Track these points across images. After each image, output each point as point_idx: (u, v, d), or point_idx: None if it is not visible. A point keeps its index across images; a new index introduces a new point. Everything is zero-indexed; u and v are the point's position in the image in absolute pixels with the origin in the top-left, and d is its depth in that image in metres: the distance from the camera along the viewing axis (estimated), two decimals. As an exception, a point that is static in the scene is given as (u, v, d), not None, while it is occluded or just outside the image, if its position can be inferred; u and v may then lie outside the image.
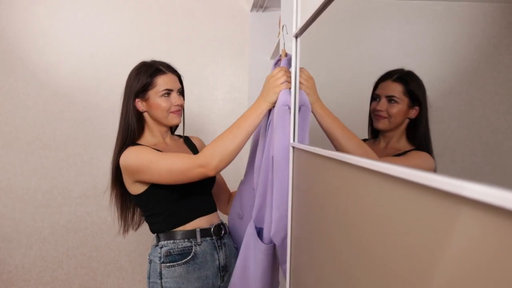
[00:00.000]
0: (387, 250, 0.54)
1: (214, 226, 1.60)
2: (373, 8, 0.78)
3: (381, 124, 0.90)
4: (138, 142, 1.58)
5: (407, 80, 0.81)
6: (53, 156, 2.64)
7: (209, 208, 1.65)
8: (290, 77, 1.30)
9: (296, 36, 1.25)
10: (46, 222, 2.65)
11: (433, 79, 0.54)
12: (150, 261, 1.58)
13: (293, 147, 1.29)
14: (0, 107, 2.57)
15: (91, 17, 2.63)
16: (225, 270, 1.61)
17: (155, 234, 1.59)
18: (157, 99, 1.56)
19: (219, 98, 2.74)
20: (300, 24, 1.18)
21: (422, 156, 0.70)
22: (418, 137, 0.78)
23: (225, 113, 2.77)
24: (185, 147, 1.74)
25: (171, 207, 1.54)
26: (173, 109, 1.58)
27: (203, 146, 1.78)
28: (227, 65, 2.71)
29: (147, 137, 1.62)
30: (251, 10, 2.63)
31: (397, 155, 0.83)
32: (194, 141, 1.80)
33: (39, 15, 2.59)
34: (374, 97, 0.92)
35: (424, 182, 0.42)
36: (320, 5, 0.93)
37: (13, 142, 2.60)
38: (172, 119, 1.59)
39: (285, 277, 1.37)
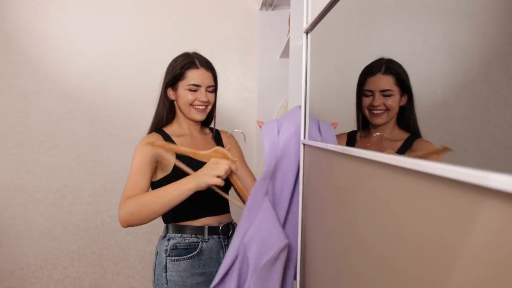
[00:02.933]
0: (406, 247, 0.54)
1: (223, 225, 1.61)
2: (383, 4, 0.78)
3: (381, 119, 0.88)
4: (165, 129, 1.64)
5: (395, 70, 0.80)
6: (64, 155, 2.66)
7: (221, 209, 1.65)
8: (231, 170, 1.34)
9: (307, 32, 1.24)
10: (57, 221, 2.67)
11: (445, 78, 0.53)
12: (157, 253, 1.60)
13: (304, 144, 1.28)
14: (12, 107, 2.60)
15: (101, 19, 2.65)
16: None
17: (165, 225, 1.61)
18: (184, 91, 1.59)
19: (228, 98, 2.75)
20: (311, 20, 1.17)
21: (429, 144, 0.69)
22: (410, 124, 0.77)
23: (235, 112, 2.77)
24: (213, 144, 1.73)
25: (185, 202, 1.49)
26: (196, 103, 1.60)
27: (234, 144, 1.79)
28: (236, 65, 2.71)
29: (174, 127, 1.66)
30: (260, 9, 2.63)
31: (402, 149, 0.81)
32: (224, 138, 1.79)
33: (50, 17, 2.61)
34: (365, 93, 0.90)
35: (445, 174, 0.42)
36: (331, 0, 0.93)
37: (25, 141, 2.62)
38: (194, 114, 1.61)
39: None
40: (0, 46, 2.58)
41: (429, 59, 0.58)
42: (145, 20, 2.68)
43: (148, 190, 1.48)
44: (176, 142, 1.60)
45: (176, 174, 1.49)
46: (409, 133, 0.77)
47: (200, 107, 1.61)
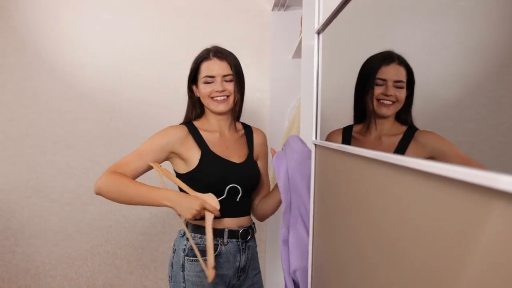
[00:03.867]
0: (416, 249, 0.53)
1: (243, 230, 1.59)
2: (395, 4, 0.77)
3: (388, 110, 0.86)
4: (196, 122, 1.64)
5: (406, 63, 0.79)
6: (78, 156, 2.68)
7: (243, 211, 1.63)
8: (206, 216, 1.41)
9: (318, 32, 1.24)
10: (71, 220, 2.70)
11: (459, 77, 0.53)
12: (175, 250, 1.59)
13: (315, 145, 1.28)
14: (26, 108, 2.63)
15: (115, 20, 2.67)
16: (243, 271, 1.61)
17: (184, 221, 1.59)
18: (201, 84, 1.58)
19: (240, 98, 2.75)
20: (322, 20, 1.17)
21: (434, 134, 0.67)
22: (405, 117, 0.77)
23: (247, 113, 2.76)
24: (243, 142, 1.70)
25: None
26: (214, 95, 1.57)
27: (264, 144, 1.77)
28: (248, 65, 2.71)
29: (203, 121, 1.66)
30: (273, 9, 2.63)
31: (403, 142, 0.80)
32: (256, 139, 1.73)
33: (63, 19, 2.64)
34: (377, 82, 0.88)
35: (454, 175, 0.41)
36: (342, 0, 0.92)
37: (39, 142, 2.65)
38: (214, 106, 1.58)
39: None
40: (14, 48, 2.62)
41: (443, 59, 0.58)
42: (158, 21, 2.70)
43: (138, 175, 1.55)
44: (203, 137, 1.59)
45: (200, 172, 1.52)
46: (406, 126, 0.76)
47: (219, 98, 1.57)
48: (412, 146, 0.77)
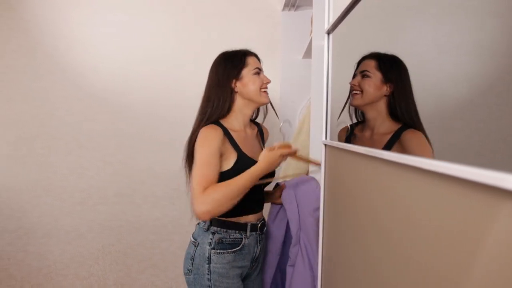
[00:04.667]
0: (425, 248, 0.53)
1: (261, 223, 1.70)
2: (406, 3, 0.77)
3: (355, 100, 0.90)
4: (222, 121, 1.65)
5: (381, 57, 0.82)
6: (89, 156, 2.71)
7: (261, 205, 1.75)
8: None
9: (328, 33, 1.24)
10: (83, 220, 2.72)
11: (470, 77, 0.53)
12: (197, 244, 1.63)
13: (325, 145, 1.28)
14: (39, 109, 2.66)
15: (125, 21, 2.69)
16: (257, 261, 1.71)
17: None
18: (251, 77, 1.65)
19: (251, 98, 2.75)
20: (332, 20, 1.17)
21: (415, 138, 0.67)
22: (400, 114, 0.77)
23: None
24: (259, 140, 1.81)
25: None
26: (264, 86, 1.67)
27: (266, 139, 1.89)
28: (259, 65, 2.71)
29: (232, 119, 1.68)
30: (283, 10, 2.63)
31: (390, 142, 0.81)
32: (265, 135, 1.88)
33: (75, 20, 2.67)
34: (354, 76, 0.92)
35: (463, 175, 0.41)
36: (352, 0, 0.92)
37: (51, 142, 2.68)
38: (263, 98, 1.67)
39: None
40: (27, 50, 2.65)
41: (454, 59, 0.57)
42: (169, 22, 2.71)
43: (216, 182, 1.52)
44: (235, 139, 1.63)
45: (238, 169, 1.56)
46: (400, 123, 0.76)
47: (266, 89, 1.69)
48: (395, 148, 0.77)
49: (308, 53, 2.43)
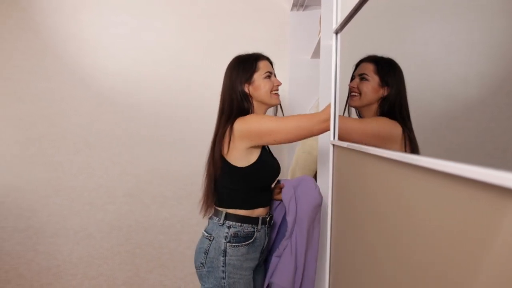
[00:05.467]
0: (434, 249, 0.53)
1: (270, 216, 1.79)
2: (415, 3, 0.76)
3: (353, 102, 0.94)
4: None
5: (379, 61, 0.86)
6: (98, 156, 2.72)
7: (270, 200, 1.82)
8: None
9: (336, 32, 1.23)
10: (92, 219, 2.74)
11: (480, 77, 0.52)
12: (212, 238, 1.70)
13: (333, 145, 1.27)
14: (48, 109, 2.68)
15: (134, 22, 2.70)
16: (263, 253, 1.79)
17: (224, 213, 1.71)
18: (261, 81, 1.72)
19: (259, 98, 2.75)
20: (340, 20, 1.16)
21: (383, 118, 0.72)
22: (387, 113, 0.80)
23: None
24: None
25: (252, 191, 1.71)
26: (274, 89, 1.76)
27: None
28: (267, 65, 2.71)
29: None
30: (291, 9, 2.63)
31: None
32: None
33: (84, 22, 2.68)
34: (352, 78, 0.96)
35: (473, 176, 0.41)
36: (360, 0, 0.91)
37: (60, 142, 2.70)
38: (275, 100, 1.77)
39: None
40: (37, 51, 2.67)
41: (463, 58, 0.57)
42: (177, 23, 2.71)
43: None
44: None
45: (259, 168, 1.68)
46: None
47: (277, 91, 1.77)
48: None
49: (316, 53, 2.43)
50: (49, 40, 2.67)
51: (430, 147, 0.67)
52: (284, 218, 1.85)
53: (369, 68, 0.89)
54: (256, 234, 1.71)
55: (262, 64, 1.75)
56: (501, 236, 0.37)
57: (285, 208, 1.77)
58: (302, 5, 2.57)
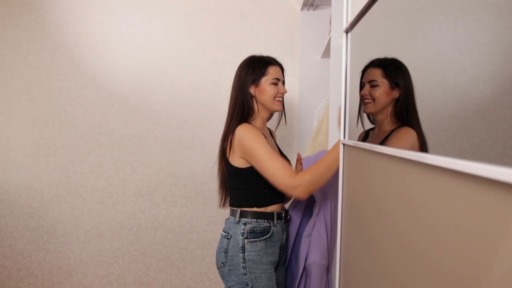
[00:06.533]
0: (444, 247, 0.52)
1: (285, 212, 1.82)
2: (426, 1, 0.75)
3: (368, 108, 0.96)
4: (250, 121, 1.79)
5: (385, 64, 0.88)
6: (109, 155, 2.73)
7: (283, 196, 1.81)
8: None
9: (347, 31, 1.22)
10: (102, 218, 2.75)
11: (493, 76, 0.51)
12: (230, 236, 1.73)
13: (344, 144, 1.27)
14: (60, 108, 2.70)
15: (145, 23, 2.71)
16: (283, 249, 1.82)
17: (239, 211, 1.75)
18: (267, 86, 1.76)
19: (269, 98, 2.74)
20: (351, 18, 1.15)
21: (402, 132, 0.74)
22: (400, 115, 0.83)
23: (276, 113, 2.76)
24: (273, 139, 1.96)
25: (262, 189, 1.72)
26: (278, 96, 1.79)
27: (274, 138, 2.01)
28: (277, 65, 2.70)
29: (255, 120, 1.82)
30: (302, 9, 2.62)
31: (385, 138, 0.86)
32: (274, 135, 2.01)
33: (96, 21, 2.70)
34: (361, 85, 0.98)
35: (486, 174, 0.40)
36: (371, -2, 0.91)
37: (72, 142, 2.72)
38: (277, 106, 1.80)
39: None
40: (49, 51, 2.69)
41: (476, 58, 0.56)
42: (188, 22, 2.72)
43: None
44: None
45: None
46: (399, 123, 0.82)
47: (280, 99, 1.80)
48: (384, 143, 0.81)
49: (326, 53, 2.42)
50: (61, 41, 2.70)
51: (441, 147, 0.66)
52: (304, 215, 1.87)
53: (377, 74, 0.91)
54: (273, 229, 1.73)
55: (271, 70, 1.78)
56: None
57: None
58: (312, 5, 2.56)
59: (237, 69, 1.83)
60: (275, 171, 1.61)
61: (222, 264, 1.74)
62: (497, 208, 0.40)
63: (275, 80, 1.77)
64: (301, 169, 1.84)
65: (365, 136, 1.11)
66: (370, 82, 0.94)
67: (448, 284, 0.51)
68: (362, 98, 1.00)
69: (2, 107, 2.72)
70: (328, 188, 1.76)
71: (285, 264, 1.89)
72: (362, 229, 1.03)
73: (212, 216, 2.76)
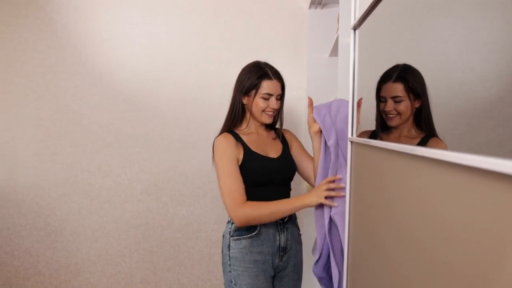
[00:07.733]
0: (455, 245, 0.51)
1: None
2: (434, 0, 0.75)
3: (394, 122, 0.98)
4: (235, 130, 1.83)
5: (405, 78, 0.90)
6: (116, 154, 2.74)
7: (280, 197, 1.77)
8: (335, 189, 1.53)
9: (355, 28, 1.22)
10: (110, 217, 2.76)
11: (500, 75, 0.50)
12: (223, 236, 1.82)
13: (351, 142, 1.26)
14: (67, 107, 2.71)
15: (151, 22, 2.71)
16: (285, 251, 1.79)
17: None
18: (258, 99, 1.77)
19: (276, 97, 2.74)
20: (358, 15, 1.14)
21: (435, 145, 0.76)
22: (424, 124, 0.86)
23: (284, 111, 2.75)
24: (278, 141, 1.92)
25: (250, 190, 1.72)
26: (268, 110, 1.79)
27: (294, 137, 1.98)
28: (285, 63, 2.69)
29: (243, 127, 1.85)
30: (309, 8, 2.60)
31: (419, 145, 0.87)
32: (286, 135, 1.96)
33: (103, 21, 2.71)
34: (381, 99, 1.00)
35: (498, 169, 0.39)
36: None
37: (79, 141, 2.73)
38: (265, 119, 1.80)
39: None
40: (56, 50, 2.70)
41: (484, 56, 0.55)
42: (195, 21, 2.71)
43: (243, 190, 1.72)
44: (244, 140, 1.79)
45: (244, 168, 1.73)
46: (424, 132, 0.85)
47: (270, 112, 1.80)
48: None
49: (334, 51, 2.41)
50: (67, 40, 2.71)
51: (449, 145, 0.65)
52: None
53: (398, 89, 0.93)
54: (261, 228, 1.73)
55: (265, 84, 1.76)
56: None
57: (323, 137, 1.60)
58: (320, 3, 2.55)
59: (240, 72, 1.85)
60: (225, 190, 1.69)
61: (222, 264, 1.81)
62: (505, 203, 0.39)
63: (265, 95, 1.76)
64: (311, 112, 1.66)
65: (373, 136, 1.11)
66: (393, 98, 0.96)
67: (458, 283, 0.50)
68: (384, 112, 1.02)
69: (8, 106, 2.74)
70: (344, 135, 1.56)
71: (297, 273, 1.85)
72: (370, 228, 1.02)
73: (219, 215, 2.75)
